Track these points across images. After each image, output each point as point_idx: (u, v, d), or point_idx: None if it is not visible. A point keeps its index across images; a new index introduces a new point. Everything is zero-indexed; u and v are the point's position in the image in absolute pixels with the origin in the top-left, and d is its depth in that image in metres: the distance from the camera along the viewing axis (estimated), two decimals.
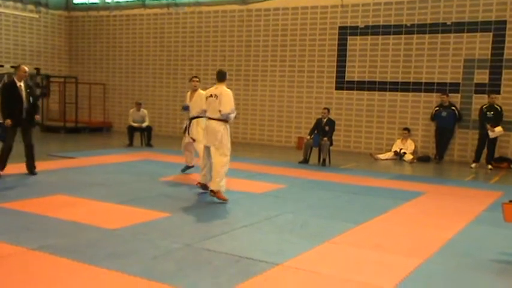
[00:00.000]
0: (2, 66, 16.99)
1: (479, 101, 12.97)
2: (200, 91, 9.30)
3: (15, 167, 9.67)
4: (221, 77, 7.72)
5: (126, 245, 5.18)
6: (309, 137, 12.08)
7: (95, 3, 18.86)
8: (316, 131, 12.00)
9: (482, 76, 13.09)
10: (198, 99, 9.11)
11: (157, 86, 17.77)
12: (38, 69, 17.94)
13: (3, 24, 17.38)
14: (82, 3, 19.14)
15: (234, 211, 6.99)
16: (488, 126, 12.13)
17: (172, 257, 4.87)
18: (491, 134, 12.14)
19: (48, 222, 5.98)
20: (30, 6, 18.07)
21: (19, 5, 17.72)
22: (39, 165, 10.04)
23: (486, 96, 12.78)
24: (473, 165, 12.24)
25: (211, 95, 7.61)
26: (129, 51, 18.30)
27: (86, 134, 17.39)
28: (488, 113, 12.26)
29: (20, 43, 17.89)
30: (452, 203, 8.09)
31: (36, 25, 18.37)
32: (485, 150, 12.38)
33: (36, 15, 18.26)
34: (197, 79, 9.56)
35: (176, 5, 17.26)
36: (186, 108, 9.59)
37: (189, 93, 9.60)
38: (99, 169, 10.01)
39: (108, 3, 18.56)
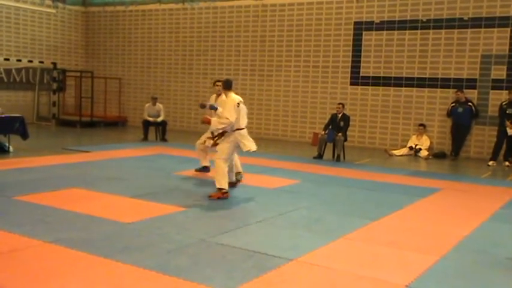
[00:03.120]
0: (19, 60, 17.16)
1: (497, 97, 12.83)
2: (224, 97, 9.13)
3: (30, 161, 9.78)
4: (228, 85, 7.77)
5: (141, 239, 5.21)
6: (323, 132, 12.04)
7: None
8: (330, 127, 11.96)
9: (499, 72, 12.93)
10: (223, 104, 8.97)
11: (172, 81, 17.83)
12: (54, 64, 18.08)
13: (21, 19, 17.53)
14: None
15: (248, 206, 6.99)
16: (508, 123, 11.97)
17: (186, 252, 4.88)
18: (510, 132, 11.97)
19: (63, 215, 6.03)
20: (48, 2, 18.20)
21: (37, 0, 17.86)
22: (55, 159, 10.15)
23: (503, 92, 12.64)
24: (490, 163, 12.08)
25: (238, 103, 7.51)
26: (145, 46, 18.37)
27: (101, 128, 17.51)
28: (508, 109, 12.08)
29: (37, 38, 18.04)
30: (468, 200, 8.01)
31: (53, 20, 18.50)
32: (503, 147, 12.23)
33: (53, 11, 18.40)
34: (220, 83, 9.11)
35: (191, 0, 17.28)
36: (213, 108, 9.02)
37: (213, 96, 9.35)
38: (114, 163, 10.07)
39: None
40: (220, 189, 7.33)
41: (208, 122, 7.75)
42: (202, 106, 9.31)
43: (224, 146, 7.50)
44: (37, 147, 11.64)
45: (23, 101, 17.80)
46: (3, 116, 10.92)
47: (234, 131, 7.47)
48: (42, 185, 7.62)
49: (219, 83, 9.24)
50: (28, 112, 16.87)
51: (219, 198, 7.26)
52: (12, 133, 10.88)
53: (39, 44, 18.11)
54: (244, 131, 7.65)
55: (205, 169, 9.44)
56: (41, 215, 5.99)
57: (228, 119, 7.30)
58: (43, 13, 18.11)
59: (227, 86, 7.74)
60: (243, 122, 7.65)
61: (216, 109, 9.08)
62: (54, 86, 18.14)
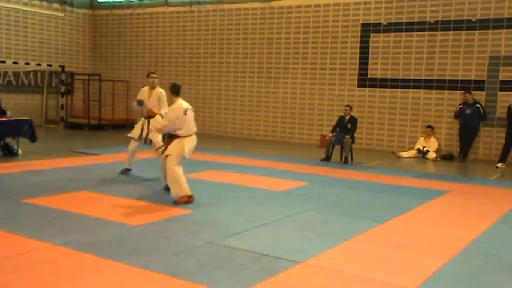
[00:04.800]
0: (28, 64, 17.26)
1: (505, 98, 12.76)
2: (159, 89, 8.94)
3: (39, 164, 9.82)
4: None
5: (149, 242, 5.22)
6: (331, 134, 12.02)
7: (119, 1, 19.03)
8: (338, 129, 11.94)
9: (507, 73, 12.87)
10: (156, 98, 8.84)
11: (180, 84, 17.82)
12: (62, 67, 18.18)
13: (30, 22, 17.63)
14: (106, 2, 19.32)
15: (256, 209, 6.99)
16: None
17: (194, 254, 4.89)
18: None
19: (72, 218, 6.05)
20: (56, 5, 18.30)
21: (45, 3, 17.96)
22: (64, 162, 10.18)
23: (511, 93, 12.60)
24: (499, 164, 12.02)
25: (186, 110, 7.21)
26: (152, 49, 18.42)
27: (109, 130, 17.57)
28: None
29: (46, 41, 18.14)
30: (477, 202, 7.97)
31: (61, 23, 18.60)
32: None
33: (61, 14, 18.50)
34: (155, 75, 9.08)
35: (198, 3, 17.32)
36: (140, 103, 8.87)
37: (146, 88, 9.07)
38: (122, 166, 10.08)
39: (131, 1, 18.71)
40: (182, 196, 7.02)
41: (153, 115, 7.80)
42: (140, 103, 8.94)
43: (175, 151, 7.12)
44: (45, 150, 11.69)
45: (32, 104, 17.89)
46: (11, 119, 10.99)
47: (184, 137, 7.16)
48: (51, 188, 7.66)
49: (154, 75, 9.07)
50: (36, 115, 16.94)
51: (186, 202, 6.96)
52: (21, 136, 10.94)
53: (48, 47, 18.21)
54: (194, 139, 7.35)
55: (129, 171, 9.27)
56: (49, 217, 6.01)
57: (167, 123, 7.12)
58: (51, 16, 18.21)
59: (174, 91, 7.36)
60: (192, 129, 7.33)
61: (142, 104, 8.87)
62: (62, 89, 18.25)
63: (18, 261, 4.53)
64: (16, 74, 17.35)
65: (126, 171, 9.22)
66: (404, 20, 14.02)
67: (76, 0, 18.93)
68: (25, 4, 17.39)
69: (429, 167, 12.01)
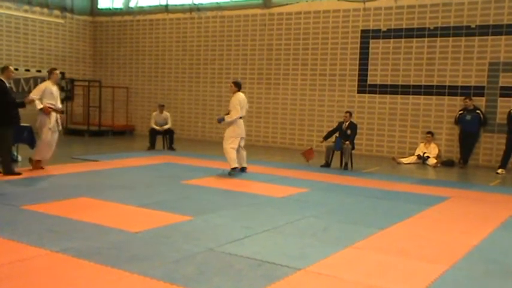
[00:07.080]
0: (28, 70, 17.28)
1: (505, 104, 12.77)
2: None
3: (39, 170, 9.80)
4: None
5: (148, 248, 5.20)
6: (323, 141, 12.20)
7: (119, 8, 19.09)
8: (338, 135, 11.94)
9: (507, 79, 12.88)
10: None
11: (180, 90, 17.88)
12: (62, 73, 18.18)
13: (30, 29, 17.67)
14: (106, 9, 19.39)
15: (256, 215, 6.97)
16: None
17: (194, 261, 4.87)
18: None
19: (71, 224, 6.03)
20: (56, 12, 18.35)
21: (45, 10, 18.01)
22: (63, 168, 10.17)
23: (511, 99, 12.60)
24: (499, 170, 12.00)
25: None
26: (152, 55, 18.45)
27: (109, 137, 17.57)
28: None
29: (46, 48, 18.17)
30: (477, 208, 7.96)
31: (61, 30, 18.64)
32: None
33: (61, 21, 18.54)
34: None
35: (198, 9, 17.36)
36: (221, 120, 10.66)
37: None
38: (122, 172, 10.09)
39: (131, 8, 18.76)
40: None
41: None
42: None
43: None
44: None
45: (31, 110, 17.83)
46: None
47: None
48: (50, 194, 7.64)
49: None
50: (36, 121, 16.91)
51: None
52: (21, 142, 10.92)
53: (48, 54, 18.24)
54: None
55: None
56: (48, 224, 5.99)
57: None
58: (51, 23, 18.25)
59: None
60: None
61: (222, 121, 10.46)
62: (62, 95, 18.23)
63: (17, 269, 4.51)
64: (16, 81, 17.34)
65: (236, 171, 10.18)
66: (404, 26, 14.05)
67: (76, 7, 18.99)
68: (25, 11, 17.44)
69: (429, 173, 12.00)
